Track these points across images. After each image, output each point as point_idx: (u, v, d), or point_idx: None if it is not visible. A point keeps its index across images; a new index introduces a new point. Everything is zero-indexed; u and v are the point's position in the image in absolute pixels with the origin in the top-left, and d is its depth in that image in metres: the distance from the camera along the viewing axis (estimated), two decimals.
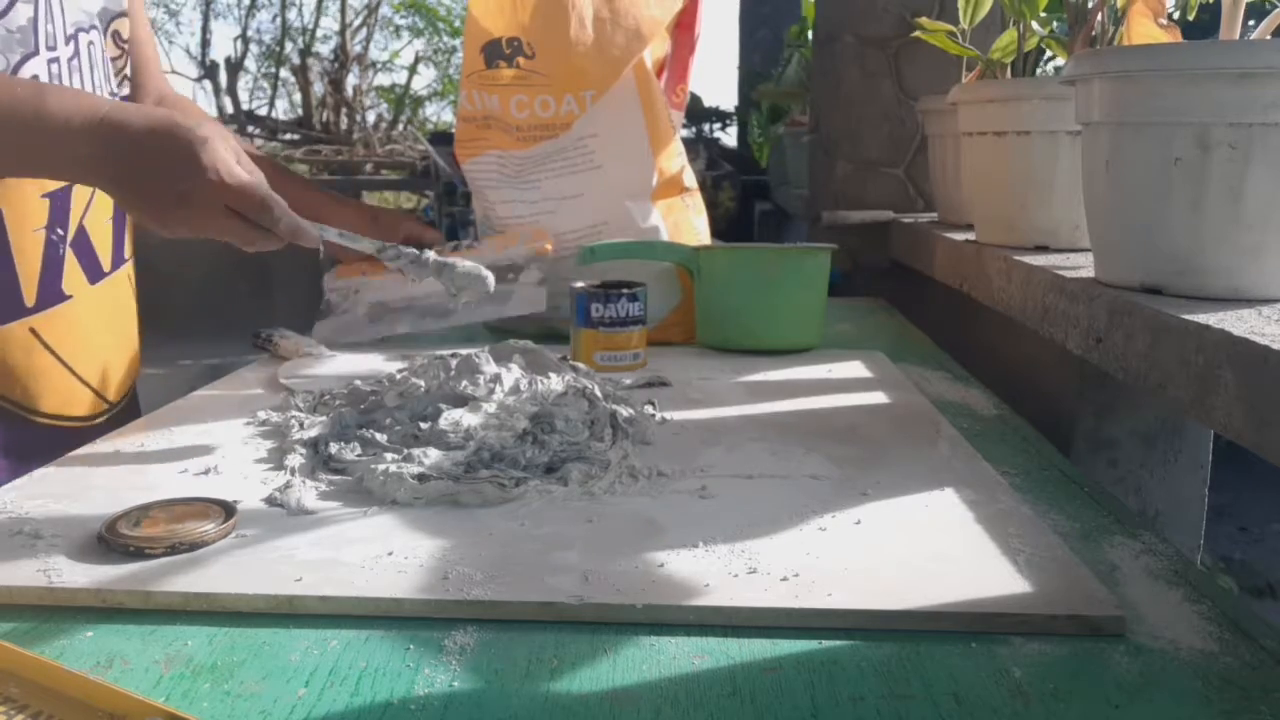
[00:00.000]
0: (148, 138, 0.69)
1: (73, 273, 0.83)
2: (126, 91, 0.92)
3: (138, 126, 0.69)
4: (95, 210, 0.85)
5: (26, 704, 0.38)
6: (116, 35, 0.88)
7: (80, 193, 0.83)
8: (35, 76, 0.76)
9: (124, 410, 0.91)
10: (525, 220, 1.13)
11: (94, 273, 0.85)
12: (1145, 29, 0.78)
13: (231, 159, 0.69)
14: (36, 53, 0.77)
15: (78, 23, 0.81)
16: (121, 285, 0.90)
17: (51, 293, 0.81)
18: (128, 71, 0.92)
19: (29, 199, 0.78)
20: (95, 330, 0.86)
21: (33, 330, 0.80)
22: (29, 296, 0.79)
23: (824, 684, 0.41)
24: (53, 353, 0.82)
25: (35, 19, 0.76)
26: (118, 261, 0.89)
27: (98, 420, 0.87)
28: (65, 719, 0.37)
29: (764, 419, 0.79)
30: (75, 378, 0.84)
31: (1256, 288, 0.70)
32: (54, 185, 0.80)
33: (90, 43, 0.83)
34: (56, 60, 0.79)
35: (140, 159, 0.69)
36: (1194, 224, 0.71)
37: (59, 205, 0.81)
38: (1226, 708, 0.40)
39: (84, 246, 0.84)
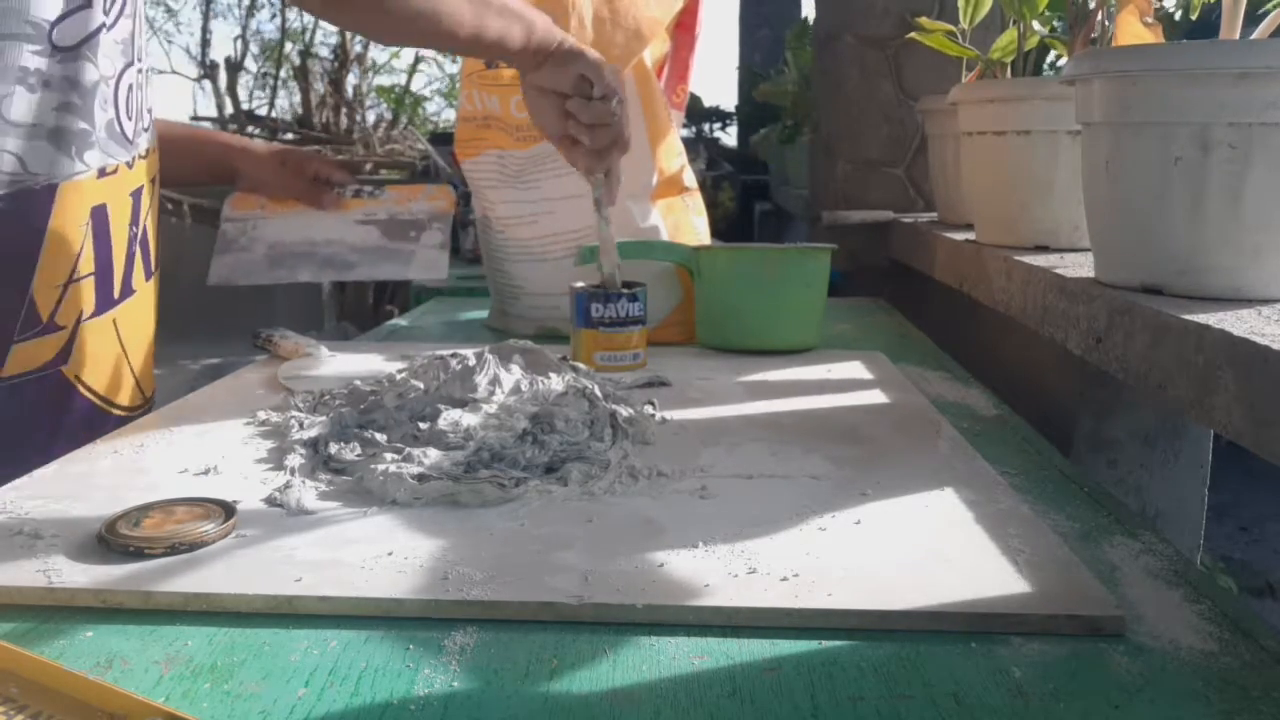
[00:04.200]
0: None
1: (139, 269, 0.86)
2: None
3: None
4: (152, 209, 0.88)
5: (26, 704, 0.37)
6: None
7: (147, 191, 0.86)
8: (130, 87, 0.81)
9: (148, 406, 0.93)
10: (524, 220, 1.13)
11: (148, 270, 0.88)
12: (1132, 28, 0.79)
13: None
14: (133, 63, 0.81)
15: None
16: (156, 283, 0.93)
17: (127, 287, 0.85)
18: None
19: (124, 195, 0.82)
20: (147, 325, 0.90)
21: (114, 322, 0.83)
22: (117, 289, 0.83)
23: (824, 684, 0.41)
24: (123, 346, 0.85)
25: (134, 31, 0.80)
26: (159, 261, 0.92)
27: (136, 414, 0.88)
28: (65, 719, 0.37)
29: (764, 419, 0.79)
30: (131, 371, 0.87)
31: (1256, 288, 0.70)
32: (135, 184, 0.83)
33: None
34: (143, 70, 0.83)
35: None
36: (1194, 224, 0.71)
37: (136, 202, 0.84)
38: (1226, 708, 0.40)
39: (145, 244, 0.87)
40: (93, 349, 0.81)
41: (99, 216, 0.80)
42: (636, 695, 0.41)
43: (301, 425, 0.73)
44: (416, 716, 0.39)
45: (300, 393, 0.83)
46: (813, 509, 0.58)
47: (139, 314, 0.87)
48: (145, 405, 0.91)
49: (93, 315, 0.81)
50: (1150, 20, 0.78)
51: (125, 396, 0.87)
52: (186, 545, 0.52)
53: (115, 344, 0.84)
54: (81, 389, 0.81)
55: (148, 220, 0.88)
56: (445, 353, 0.79)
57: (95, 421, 0.82)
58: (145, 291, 0.88)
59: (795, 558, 0.51)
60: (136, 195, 0.84)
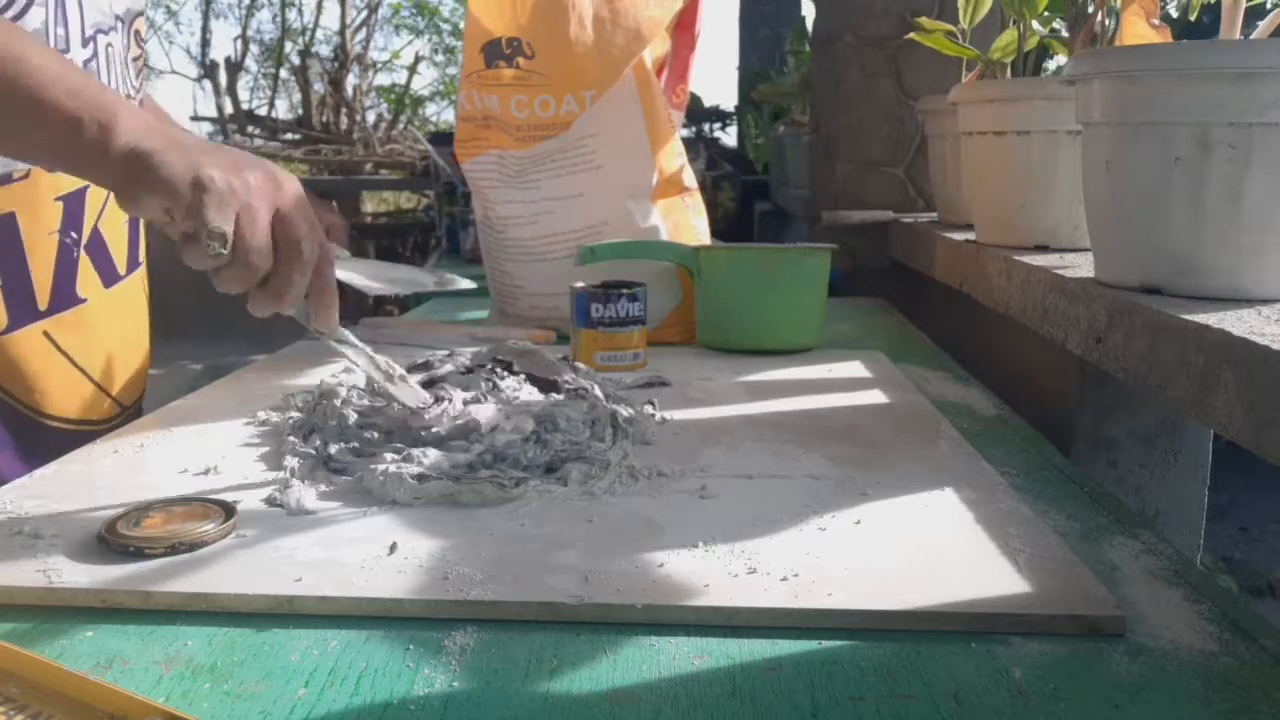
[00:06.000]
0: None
1: (87, 276, 0.83)
2: (145, 91, 0.92)
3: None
4: (110, 213, 0.84)
5: (26, 704, 0.37)
6: (137, 34, 0.88)
7: (94, 195, 0.82)
8: None
9: (134, 413, 0.91)
10: (524, 220, 1.12)
11: (109, 276, 0.85)
12: (1138, 29, 0.79)
13: None
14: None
15: (98, 24, 0.80)
16: (135, 289, 0.90)
17: (65, 296, 0.81)
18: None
19: (43, 201, 0.78)
20: (110, 334, 0.86)
21: (46, 334, 0.80)
22: (42, 300, 0.79)
23: (824, 684, 0.41)
24: (67, 356, 0.82)
25: (47, 22, 0.75)
26: (132, 265, 0.89)
27: (114, 423, 0.87)
28: (65, 719, 0.37)
29: (764, 419, 0.79)
30: (90, 381, 0.84)
31: (1256, 288, 0.70)
32: (68, 188, 0.79)
33: (109, 44, 0.83)
34: (89, 61, 0.78)
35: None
36: (1194, 224, 0.71)
37: (72, 208, 0.81)
38: (1226, 708, 0.40)
39: (99, 250, 0.84)
40: (19, 362, 0.78)
41: (2, 226, 0.75)
42: (636, 695, 0.41)
43: (301, 425, 0.73)
44: (416, 716, 0.39)
45: (299, 393, 0.83)
46: (813, 509, 0.58)
47: (92, 323, 0.83)
48: (122, 414, 0.88)
49: (7, 330, 0.77)
50: (1156, 22, 0.78)
51: (93, 411, 0.84)
52: (186, 545, 0.52)
53: (54, 356, 0.80)
54: (10, 400, 0.78)
55: (103, 224, 0.83)
56: (443, 352, 0.79)
57: (27, 432, 0.79)
58: (104, 299, 0.84)
59: (795, 558, 0.51)
60: (73, 199, 0.80)
